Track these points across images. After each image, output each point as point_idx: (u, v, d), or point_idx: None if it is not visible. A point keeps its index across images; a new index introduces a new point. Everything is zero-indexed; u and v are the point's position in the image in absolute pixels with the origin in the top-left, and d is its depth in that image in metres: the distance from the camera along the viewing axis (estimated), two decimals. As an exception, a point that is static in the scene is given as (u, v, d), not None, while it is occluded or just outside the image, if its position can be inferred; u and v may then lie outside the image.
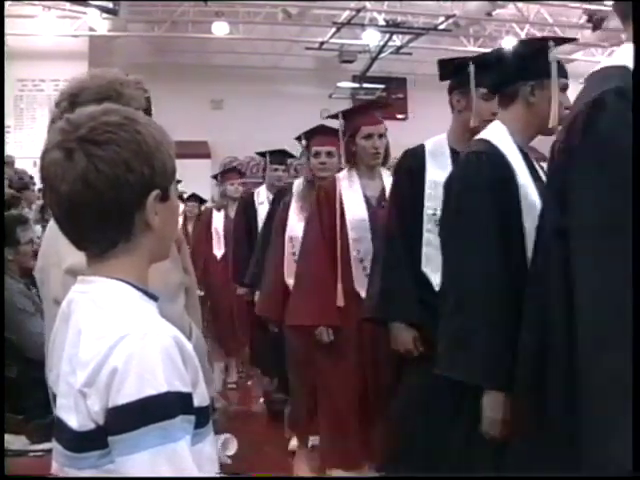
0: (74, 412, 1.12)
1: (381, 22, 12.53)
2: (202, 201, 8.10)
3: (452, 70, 2.92)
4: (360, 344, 3.44)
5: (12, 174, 7.60)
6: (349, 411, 3.47)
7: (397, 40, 13.23)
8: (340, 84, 13.69)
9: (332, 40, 12.96)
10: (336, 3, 12.14)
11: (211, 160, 13.20)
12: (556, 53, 2.39)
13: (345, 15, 12.30)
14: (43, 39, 11.50)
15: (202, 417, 1.18)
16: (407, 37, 13.08)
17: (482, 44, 13.57)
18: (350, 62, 13.52)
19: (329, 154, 3.96)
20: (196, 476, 1.12)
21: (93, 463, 1.11)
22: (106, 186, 1.14)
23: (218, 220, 6.55)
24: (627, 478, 1.40)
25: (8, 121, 10.66)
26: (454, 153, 2.88)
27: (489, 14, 12.20)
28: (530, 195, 2.25)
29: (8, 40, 9.07)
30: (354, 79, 13.93)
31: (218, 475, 1.69)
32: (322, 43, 13.07)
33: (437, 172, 2.86)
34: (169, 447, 1.07)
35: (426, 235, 2.84)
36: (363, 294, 3.32)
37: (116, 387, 1.07)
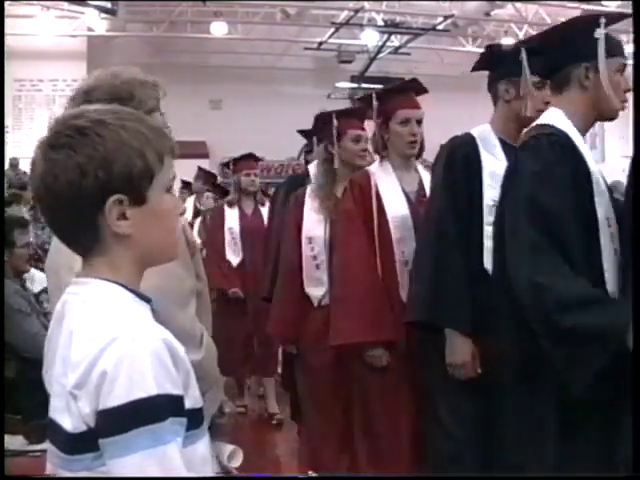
0: (67, 414, 1.12)
1: (380, 22, 12.54)
2: (225, 192, 6.38)
3: (500, 57, 2.71)
4: (410, 362, 2.89)
5: (12, 174, 7.62)
6: (402, 445, 2.90)
7: (395, 40, 13.24)
8: (338, 84, 13.68)
9: (330, 40, 12.97)
10: (334, 3, 12.15)
11: (209, 160, 13.19)
12: (607, 30, 2.21)
13: (344, 15, 12.31)
14: (41, 39, 11.51)
15: (195, 419, 1.17)
16: (405, 37, 13.09)
17: (480, 44, 13.57)
18: (348, 62, 13.52)
19: (367, 140, 3.40)
20: (191, 477, 1.13)
21: (87, 465, 1.11)
22: (63, 191, 1.13)
23: (232, 218, 5.30)
24: (627, 478, 1.39)
25: (6, 121, 10.66)
26: (503, 144, 2.67)
27: (487, 14, 12.22)
28: (601, 183, 2.17)
29: (6, 40, 9.06)
30: (352, 79, 13.92)
31: (217, 475, 1.70)
32: (320, 43, 13.07)
33: (493, 162, 2.63)
34: (159, 450, 1.06)
35: (487, 228, 2.53)
36: None
37: (106, 389, 1.07)
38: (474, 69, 2.84)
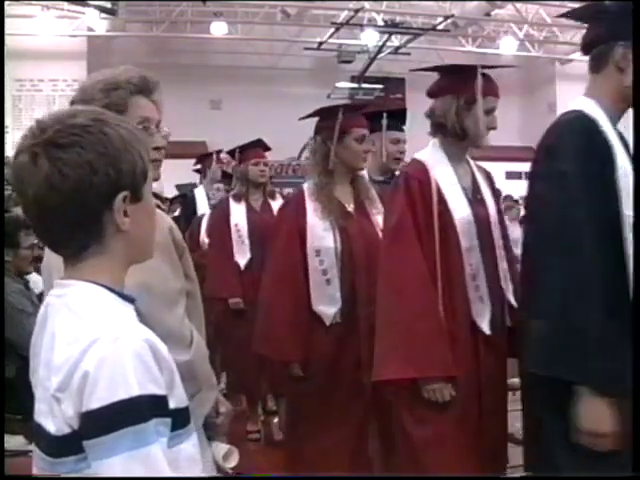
0: (50, 417, 1.12)
1: (380, 22, 12.54)
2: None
3: (621, 14, 2.14)
4: (479, 399, 2.47)
5: (10, 174, 7.63)
6: None
7: (396, 40, 13.23)
8: (338, 84, 13.67)
9: (331, 40, 12.96)
10: (335, 3, 12.15)
11: (209, 160, 13.21)
12: None
13: (344, 15, 12.31)
14: (41, 39, 11.50)
15: (180, 419, 1.17)
16: (406, 37, 13.08)
17: (481, 44, 13.59)
18: (348, 62, 13.51)
19: (369, 141, 3.22)
20: (179, 477, 1.13)
21: (71, 468, 1.11)
22: (71, 189, 1.14)
23: (239, 214, 4.72)
24: (627, 478, 1.39)
25: (6, 121, 10.65)
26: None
27: (487, 14, 12.22)
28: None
29: (6, 40, 9.06)
30: (353, 79, 13.91)
31: (212, 475, 1.70)
32: (321, 43, 13.06)
33: (621, 155, 2.07)
34: (143, 451, 1.07)
35: (629, 246, 1.98)
36: (483, 325, 2.48)
37: (88, 391, 1.07)
38: (576, 18, 2.44)
